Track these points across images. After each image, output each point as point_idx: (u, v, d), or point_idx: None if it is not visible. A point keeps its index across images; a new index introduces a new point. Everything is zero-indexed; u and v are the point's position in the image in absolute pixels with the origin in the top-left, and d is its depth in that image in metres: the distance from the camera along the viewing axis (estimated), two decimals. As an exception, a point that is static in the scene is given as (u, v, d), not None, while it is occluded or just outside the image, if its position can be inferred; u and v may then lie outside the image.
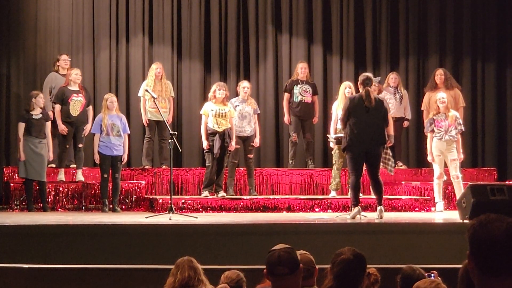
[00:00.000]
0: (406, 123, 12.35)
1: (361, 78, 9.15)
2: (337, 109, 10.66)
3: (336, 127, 10.71)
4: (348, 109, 8.97)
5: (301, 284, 3.67)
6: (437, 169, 10.45)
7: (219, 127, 10.69)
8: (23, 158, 10.42)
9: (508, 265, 2.26)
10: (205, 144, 10.69)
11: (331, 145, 10.85)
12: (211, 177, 10.75)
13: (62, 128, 10.97)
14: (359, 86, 9.16)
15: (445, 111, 10.47)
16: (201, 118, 10.86)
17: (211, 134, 10.70)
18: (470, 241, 2.33)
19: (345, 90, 10.72)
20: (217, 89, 10.78)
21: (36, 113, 10.59)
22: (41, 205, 10.50)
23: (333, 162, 11.03)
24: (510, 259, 2.26)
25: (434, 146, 10.44)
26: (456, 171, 10.38)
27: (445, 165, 10.49)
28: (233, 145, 10.85)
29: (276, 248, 3.62)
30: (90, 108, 11.33)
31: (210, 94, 10.90)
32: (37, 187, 10.57)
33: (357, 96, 9.09)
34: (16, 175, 10.91)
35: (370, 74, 9.31)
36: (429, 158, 10.57)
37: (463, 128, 10.63)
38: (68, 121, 11.03)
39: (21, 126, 10.57)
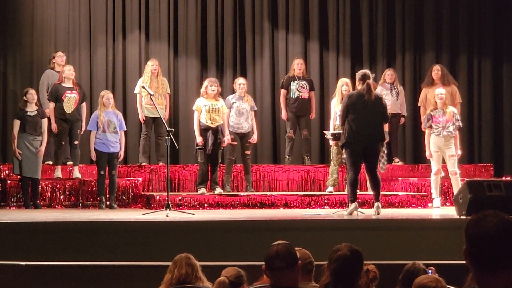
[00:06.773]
0: (402, 120, 12.36)
1: (359, 74, 9.14)
2: (336, 106, 10.65)
3: (335, 124, 10.70)
4: (347, 106, 8.98)
5: (300, 280, 3.68)
6: (434, 165, 10.45)
7: (212, 123, 10.68)
8: (18, 155, 10.42)
9: (499, 260, 2.28)
10: (199, 139, 10.65)
11: (330, 142, 10.83)
12: (205, 173, 10.75)
13: (54, 126, 10.99)
14: (357, 83, 9.14)
15: (443, 107, 10.47)
16: (194, 114, 10.87)
17: (204, 130, 10.68)
18: (465, 237, 2.35)
19: (343, 87, 10.69)
20: (209, 85, 10.74)
21: (31, 110, 10.58)
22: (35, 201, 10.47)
23: (331, 158, 11.02)
24: (501, 254, 2.28)
25: (432, 142, 10.43)
26: (454, 167, 10.39)
27: (443, 161, 10.49)
28: (225, 141, 10.84)
29: (275, 243, 3.63)
30: (84, 105, 11.30)
31: (202, 90, 10.86)
32: (31, 185, 10.53)
33: (355, 93, 9.10)
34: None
35: (367, 71, 9.31)
36: (427, 154, 10.57)
37: (461, 124, 10.63)
38: (62, 118, 11.02)
39: (16, 123, 10.58)
